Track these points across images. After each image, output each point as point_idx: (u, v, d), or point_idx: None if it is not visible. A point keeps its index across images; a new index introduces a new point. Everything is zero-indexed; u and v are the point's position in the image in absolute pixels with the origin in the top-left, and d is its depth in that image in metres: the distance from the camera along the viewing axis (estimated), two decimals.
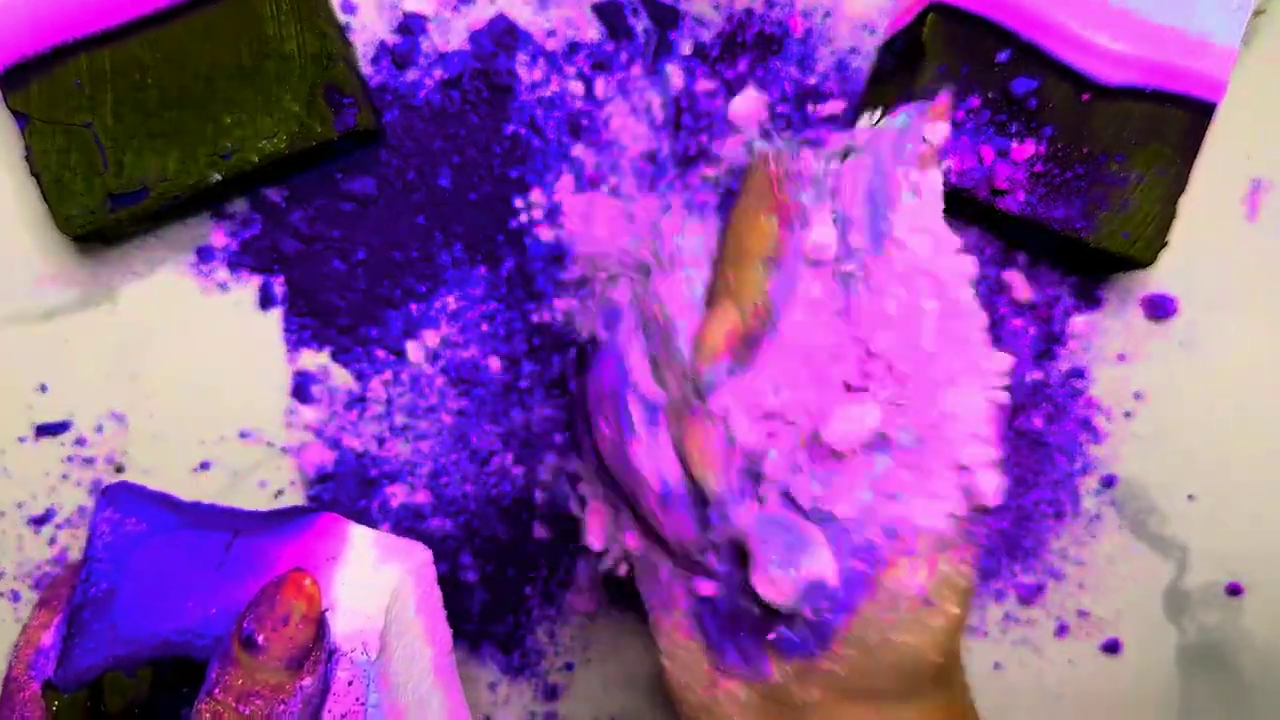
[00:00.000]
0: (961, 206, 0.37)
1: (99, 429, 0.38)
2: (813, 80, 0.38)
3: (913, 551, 0.25)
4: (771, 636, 0.26)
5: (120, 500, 0.30)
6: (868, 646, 0.25)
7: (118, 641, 0.28)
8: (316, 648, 0.27)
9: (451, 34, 0.38)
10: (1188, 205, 0.36)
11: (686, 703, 0.28)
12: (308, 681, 0.26)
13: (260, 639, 0.26)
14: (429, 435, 0.38)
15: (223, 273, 0.38)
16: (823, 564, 0.25)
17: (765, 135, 0.29)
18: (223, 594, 0.28)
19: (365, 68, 0.38)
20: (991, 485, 0.26)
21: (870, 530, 0.25)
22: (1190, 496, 0.40)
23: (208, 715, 0.26)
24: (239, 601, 0.28)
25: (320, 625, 0.27)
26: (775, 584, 0.25)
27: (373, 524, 0.38)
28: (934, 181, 0.27)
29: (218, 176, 0.35)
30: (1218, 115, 0.35)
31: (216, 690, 0.26)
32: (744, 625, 0.27)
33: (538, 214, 0.38)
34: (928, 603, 0.25)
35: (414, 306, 0.38)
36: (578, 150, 0.38)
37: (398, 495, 0.38)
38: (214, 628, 0.28)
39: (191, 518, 0.30)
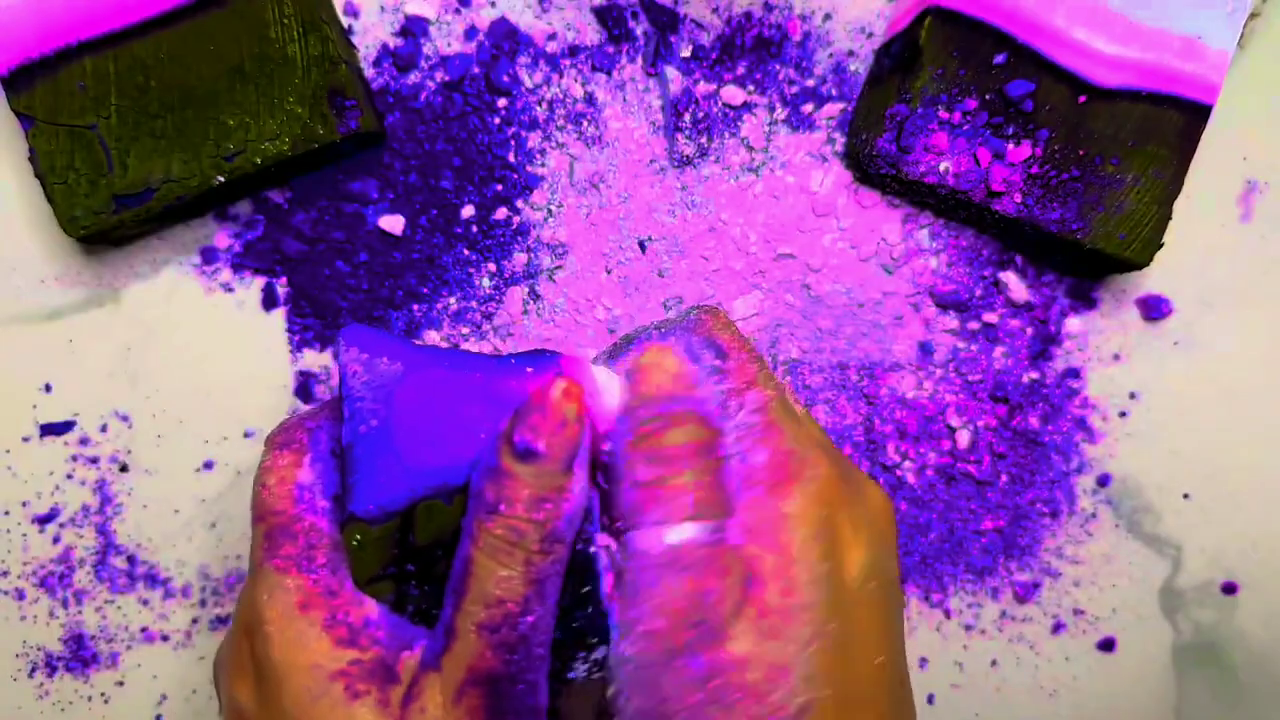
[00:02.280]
0: (958, 208, 0.37)
1: (103, 428, 0.38)
2: (810, 83, 0.38)
3: None
4: None
5: (366, 340, 0.29)
6: None
7: (408, 473, 0.28)
8: (584, 444, 0.27)
9: (453, 37, 0.38)
10: (1182, 207, 0.36)
11: None
12: (582, 476, 0.27)
13: (540, 446, 0.26)
14: None
15: (226, 273, 0.38)
16: None
17: None
18: (495, 425, 0.28)
19: (367, 70, 0.38)
20: None
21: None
22: (1185, 495, 0.40)
23: (501, 532, 0.26)
24: None
25: (587, 423, 0.27)
26: None
27: None
28: None
29: (221, 178, 0.35)
30: (1213, 117, 0.36)
31: (503, 506, 0.26)
32: None
33: (539, 215, 0.38)
34: None
35: (416, 307, 0.38)
36: (578, 151, 0.38)
37: None
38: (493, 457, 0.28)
39: (439, 357, 0.29)
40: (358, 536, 0.27)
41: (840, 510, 0.27)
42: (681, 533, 0.26)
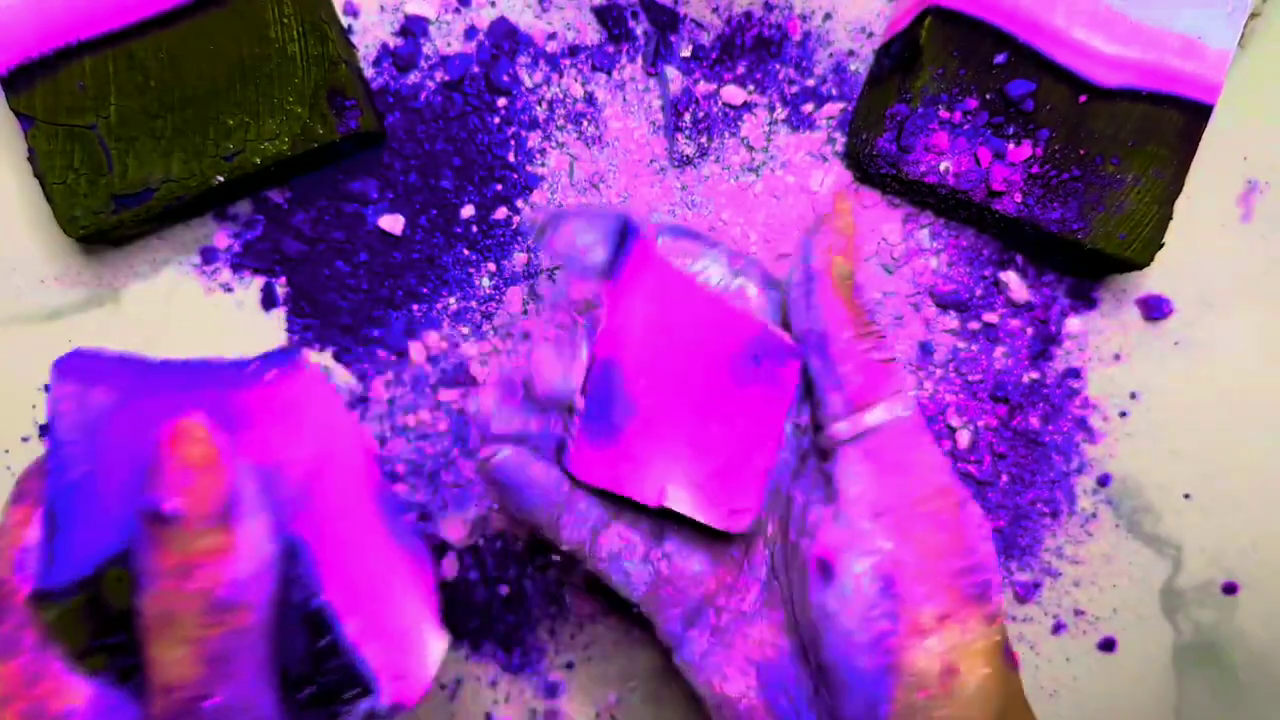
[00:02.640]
0: (958, 208, 0.37)
1: None
2: (811, 83, 0.38)
3: (921, 629, 0.26)
4: None
5: (78, 370, 0.25)
6: None
7: (109, 527, 0.24)
8: (241, 488, 0.23)
9: (453, 37, 0.38)
10: (1183, 206, 0.36)
11: None
12: (248, 525, 0.23)
13: (167, 508, 0.22)
14: (430, 435, 0.38)
15: (226, 274, 0.38)
16: None
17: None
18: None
19: (367, 70, 0.38)
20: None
21: (879, 621, 0.26)
22: (1186, 495, 0.40)
23: (159, 607, 0.22)
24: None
25: (231, 465, 0.23)
26: None
27: None
28: None
29: (221, 178, 0.35)
30: (1213, 117, 0.36)
31: (153, 580, 0.22)
32: None
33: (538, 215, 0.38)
34: (949, 672, 0.26)
35: (416, 307, 0.38)
36: (578, 151, 0.38)
37: (399, 495, 0.38)
38: None
39: (164, 376, 0.25)
40: (50, 612, 0.24)
41: None
42: (910, 403, 0.28)
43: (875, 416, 0.28)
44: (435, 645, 0.27)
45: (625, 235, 0.29)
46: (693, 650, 0.30)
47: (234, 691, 0.23)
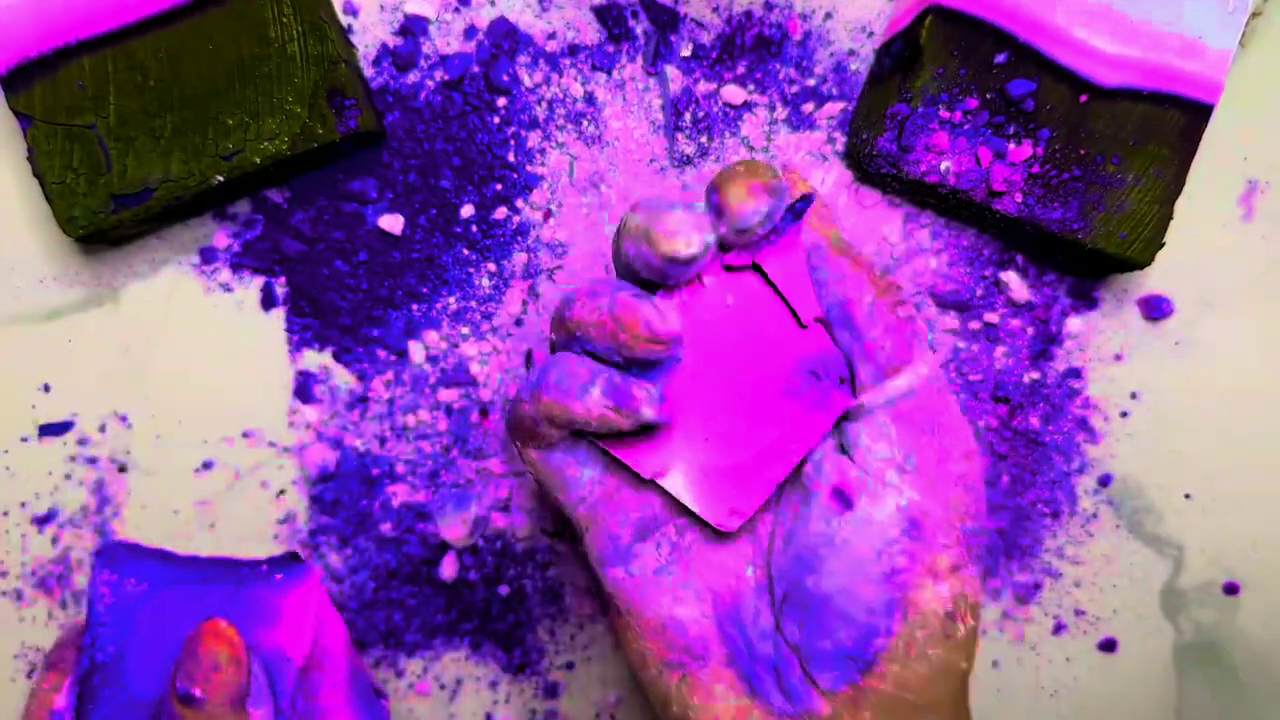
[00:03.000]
0: (959, 207, 0.37)
1: (102, 429, 0.38)
2: (811, 82, 0.38)
3: (936, 572, 0.28)
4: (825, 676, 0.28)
5: (117, 559, 0.30)
6: (908, 662, 0.27)
7: (132, 706, 0.29)
8: (255, 680, 0.29)
9: (452, 36, 0.38)
10: (1184, 206, 0.36)
11: None
12: (258, 713, 0.29)
13: (197, 692, 0.28)
14: (430, 435, 0.38)
15: (225, 273, 0.38)
16: None
17: None
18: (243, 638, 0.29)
19: (367, 69, 0.38)
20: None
21: (897, 557, 0.28)
22: (1186, 495, 0.40)
23: None
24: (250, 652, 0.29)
25: (249, 661, 0.29)
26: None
27: (374, 523, 0.38)
28: None
29: (220, 178, 0.35)
30: (1214, 117, 0.36)
31: None
32: (788, 668, 0.28)
33: (538, 215, 0.38)
34: (951, 617, 0.28)
35: (415, 307, 0.38)
36: (578, 151, 0.38)
37: (399, 495, 0.38)
38: None
39: (190, 571, 0.31)
40: None
41: None
42: (930, 359, 0.29)
43: (904, 382, 0.28)
44: None
45: (796, 209, 0.29)
46: (641, 566, 0.29)
47: None
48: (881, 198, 0.38)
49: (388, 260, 0.38)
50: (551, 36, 0.38)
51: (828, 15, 0.38)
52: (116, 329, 0.38)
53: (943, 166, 0.35)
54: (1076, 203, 0.36)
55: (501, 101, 0.38)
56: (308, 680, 0.32)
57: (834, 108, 0.38)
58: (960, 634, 0.28)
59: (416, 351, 0.38)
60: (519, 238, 0.38)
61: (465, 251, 0.38)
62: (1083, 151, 0.36)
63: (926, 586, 0.28)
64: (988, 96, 0.35)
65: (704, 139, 0.38)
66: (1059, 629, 0.40)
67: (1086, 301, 0.39)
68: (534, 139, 0.38)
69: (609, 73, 0.38)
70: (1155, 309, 0.39)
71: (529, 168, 0.38)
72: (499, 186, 0.38)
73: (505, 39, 0.38)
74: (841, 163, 0.38)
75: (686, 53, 0.38)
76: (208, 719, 0.28)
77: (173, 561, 0.31)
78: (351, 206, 0.38)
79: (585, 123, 0.38)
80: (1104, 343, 0.39)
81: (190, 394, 0.38)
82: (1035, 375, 0.39)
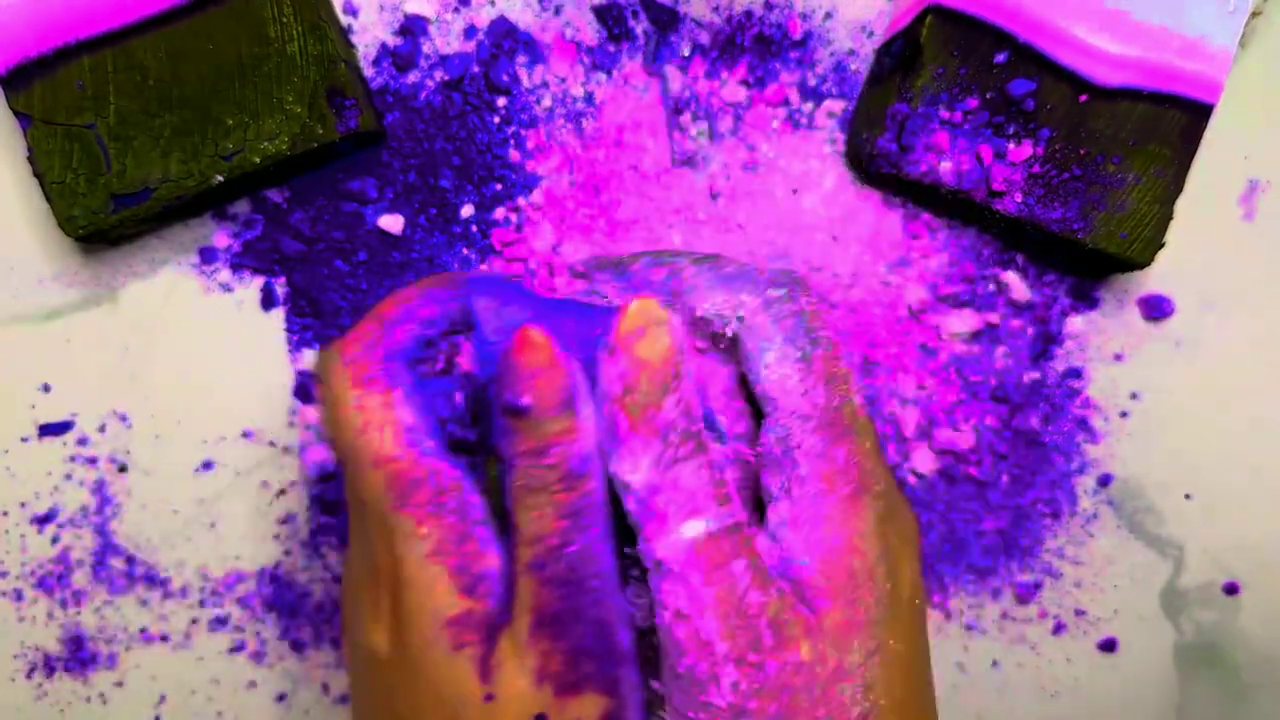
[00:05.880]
0: (959, 207, 0.37)
1: (101, 429, 0.38)
2: (811, 82, 0.38)
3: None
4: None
5: (494, 288, 0.30)
6: None
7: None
8: (579, 383, 0.27)
9: (452, 36, 0.38)
10: (1184, 206, 0.36)
11: None
12: (586, 412, 0.27)
13: (525, 401, 0.27)
14: None
15: (225, 273, 0.38)
16: None
17: None
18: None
19: (367, 69, 0.38)
20: None
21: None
22: (1187, 496, 0.40)
23: (521, 483, 0.27)
24: None
25: (568, 365, 0.27)
26: None
27: None
28: None
29: (220, 178, 0.35)
30: (1215, 116, 0.36)
31: (517, 460, 0.27)
32: None
33: (538, 215, 0.38)
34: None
35: None
36: (578, 151, 0.38)
37: None
38: None
39: (561, 307, 0.30)
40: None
41: (890, 525, 0.28)
42: (696, 528, 0.26)
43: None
44: None
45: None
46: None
47: (585, 544, 0.27)
48: (881, 198, 0.38)
49: (388, 260, 0.38)
50: (550, 35, 0.38)
51: (828, 15, 0.38)
52: (116, 329, 0.38)
53: (943, 166, 0.35)
54: (1077, 202, 0.36)
55: (501, 101, 0.38)
56: None
57: (834, 107, 0.38)
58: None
59: None
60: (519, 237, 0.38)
61: (465, 252, 0.38)
62: (1083, 151, 0.36)
63: None
64: (988, 96, 0.35)
65: (704, 139, 0.38)
66: (1059, 629, 0.40)
67: (1087, 301, 0.39)
68: (534, 139, 0.38)
69: (609, 73, 0.38)
70: (1156, 309, 0.39)
71: (529, 167, 0.38)
72: (499, 186, 0.38)
73: (505, 38, 0.38)
74: (842, 162, 0.38)
75: (686, 52, 0.38)
76: (536, 425, 0.27)
77: (540, 299, 0.31)
78: (351, 206, 0.38)
79: (585, 122, 0.38)
80: (1104, 343, 0.39)
81: (190, 394, 0.38)
82: (1035, 375, 0.39)
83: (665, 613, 0.26)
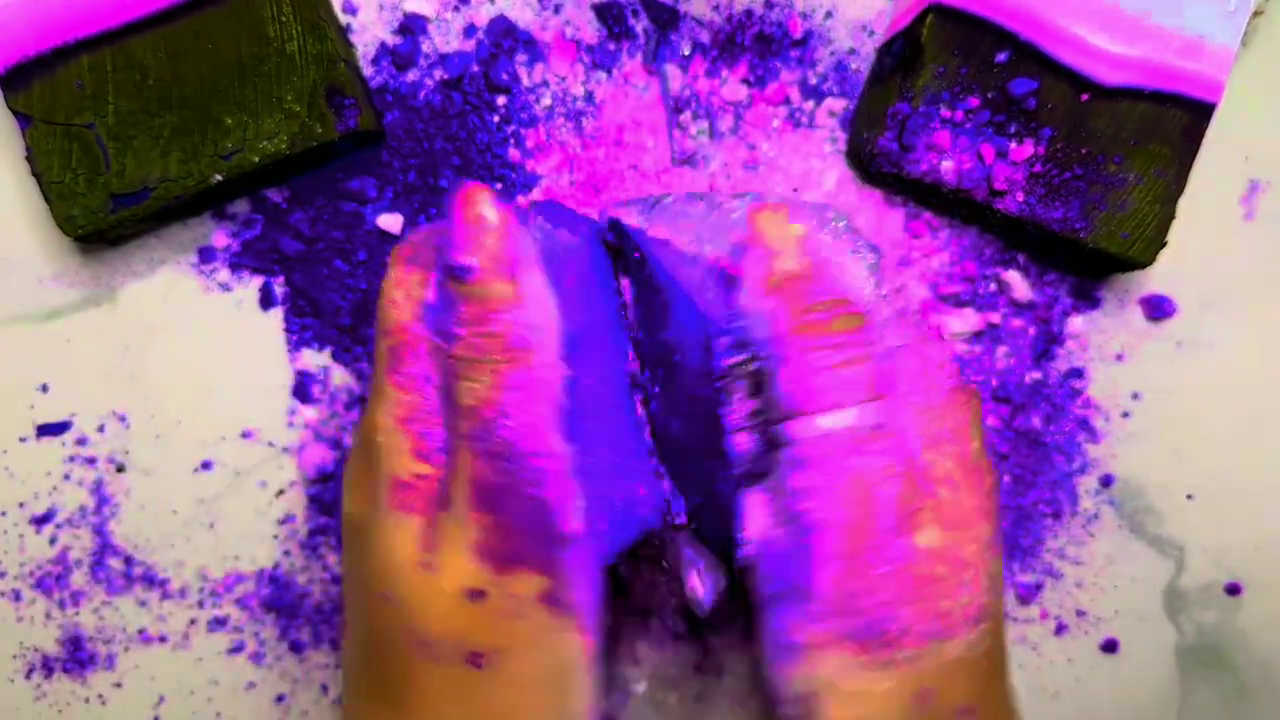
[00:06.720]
0: (960, 207, 0.37)
1: (100, 429, 0.38)
2: (812, 81, 0.38)
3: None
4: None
5: (555, 214, 0.31)
6: None
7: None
8: (526, 251, 0.26)
9: (452, 35, 0.38)
10: (1186, 206, 0.36)
11: None
12: (534, 281, 0.26)
13: (468, 261, 0.25)
14: None
15: (224, 273, 0.38)
16: None
17: None
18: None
19: (366, 68, 0.38)
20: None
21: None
22: (1188, 496, 0.40)
23: (463, 352, 0.26)
24: None
25: (515, 228, 0.26)
26: None
27: None
28: None
29: (219, 177, 0.35)
30: (1216, 116, 0.35)
31: (457, 330, 0.26)
32: None
33: None
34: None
35: None
36: (578, 150, 0.38)
37: None
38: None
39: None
40: None
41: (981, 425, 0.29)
42: (846, 418, 0.26)
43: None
44: None
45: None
46: None
47: (527, 422, 0.26)
48: (883, 197, 0.38)
49: (387, 260, 0.38)
50: (550, 34, 0.38)
51: (828, 14, 0.38)
52: (115, 329, 0.38)
53: (944, 165, 0.35)
54: (1078, 202, 0.36)
55: (501, 100, 0.38)
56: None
57: (835, 106, 0.38)
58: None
59: None
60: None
61: None
62: (1084, 150, 0.35)
63: None
64: (989, 95, 0.35)
65: (704, 138, 0.38)
66: (1060, 630, 0.40)
67: (1088, 301, 0.39)
68: (534, 138, 0.38)
69: (609, 71, 0.38)
70: (1157, 309, 0.39)
71: (529, 167, 0.38)
72: (499, 186, 0.38)
73: (505, 37, 0.38)
74: (843, 162, 0.38)
75: (687, 51, 0.38)
76: (480, 290, 0.26)
77: (590, 222, 0.32)
78: (350, 206, 0.38)
79: (585, 121, 0.38)
80: (1106, 343, 0.39)
81: (189, 394, 0.38)
82: (1037, 375, 0.39)
83: (797, 499, 0.26)
